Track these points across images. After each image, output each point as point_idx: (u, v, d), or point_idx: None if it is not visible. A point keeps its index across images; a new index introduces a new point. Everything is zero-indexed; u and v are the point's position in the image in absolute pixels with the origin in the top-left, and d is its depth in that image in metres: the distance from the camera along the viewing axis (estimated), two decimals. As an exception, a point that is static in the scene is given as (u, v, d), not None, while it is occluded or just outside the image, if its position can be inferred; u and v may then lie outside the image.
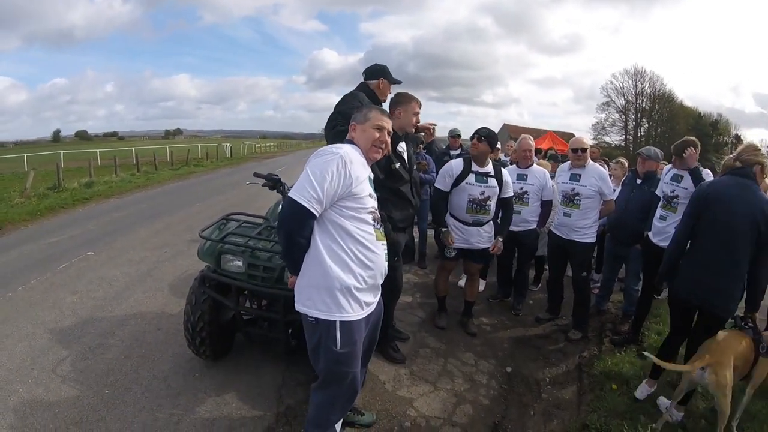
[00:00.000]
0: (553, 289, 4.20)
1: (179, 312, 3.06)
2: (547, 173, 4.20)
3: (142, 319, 3.76)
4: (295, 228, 1.83)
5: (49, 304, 4.00)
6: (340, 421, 2.29)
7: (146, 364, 3.10)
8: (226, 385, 2.89)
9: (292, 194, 1.80)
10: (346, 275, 1.86)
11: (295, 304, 1.95)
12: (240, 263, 2.71)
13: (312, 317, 1.89)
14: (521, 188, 4.06)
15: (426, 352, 3.47)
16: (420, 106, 3.00)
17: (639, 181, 4.00)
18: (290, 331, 2.79)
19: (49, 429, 2.43)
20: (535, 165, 4.21)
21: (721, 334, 2.60)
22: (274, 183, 3.28)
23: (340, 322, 1.87)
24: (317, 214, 1.82)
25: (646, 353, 2.79)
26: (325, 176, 1.78)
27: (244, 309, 2.83)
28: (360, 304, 1.93)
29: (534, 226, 4.13)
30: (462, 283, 4.70)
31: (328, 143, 2.77)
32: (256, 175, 3.40)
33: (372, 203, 1.97)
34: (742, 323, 2.59)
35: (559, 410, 2.92)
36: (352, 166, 1.83)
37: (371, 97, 2.95)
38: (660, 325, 3.97)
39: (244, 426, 2.53)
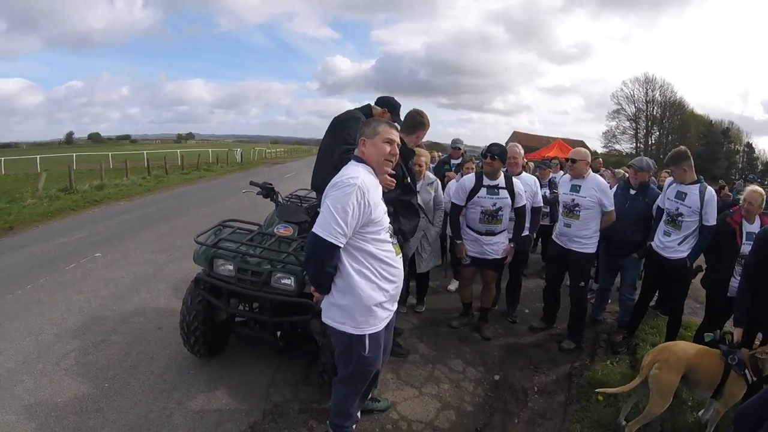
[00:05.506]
0: (549, 297, 4.20)
1: (179, 312, 3.19)
2: (537, 180, 4.27)
3: (144, 318, 3.91)
4: (323, 261, 1.97)
5: (56, 302, 4.17)
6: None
7: (145, 360, 3.24)
8: (217, 381, 3.01)
9: (317, 231, 1.91)
10: (376, 293, 2.05)
11: (323, 318, 2.13)
12: (231, 267, 2.84)
13: (343, 331, 2.07)
14: None
15: (415, 358, 3.53)
16: None
17: (633, 192, 4.00)
18: (279, 332, 2.90)
19: (51, 417, 2.59)
20: (524, 173, 4.28)
21: (683, 343, 2.67)
22: (268, 192, 3.40)
23: (369, 334, 2.08)
24: (342, 245, 1.96)
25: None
26: (347, 209, 1.89)
27: (234, 310, 2.96)
28: (385, 315, 2.15)
29: (527, 232, 4.19)
30: (452, 287, 4.95)
31: (333, 157, 2.76)
32: (252, 183, 3.54)
33: (387, 219, 2.12)
34: (720, 340, 2.63)
35: (543, 419, 2.94)
36: (369, 193, 1.95)
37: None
38: (657, 337, 3.93)
39: (232, 420, 2.65)
